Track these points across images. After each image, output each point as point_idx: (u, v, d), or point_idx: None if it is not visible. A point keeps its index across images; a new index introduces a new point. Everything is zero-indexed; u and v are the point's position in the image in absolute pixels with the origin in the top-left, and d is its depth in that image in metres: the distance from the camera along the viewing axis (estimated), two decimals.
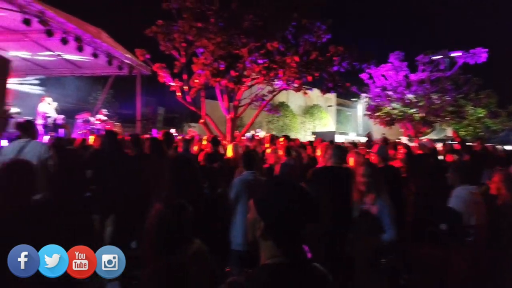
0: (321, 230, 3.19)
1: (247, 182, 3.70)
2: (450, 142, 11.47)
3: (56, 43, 11.40)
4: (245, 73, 10.50)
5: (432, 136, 24.88)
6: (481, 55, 21.16)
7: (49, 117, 12.33)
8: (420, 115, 22.12)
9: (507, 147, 13.97)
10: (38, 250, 1.68)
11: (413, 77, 22.49)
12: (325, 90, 11.08)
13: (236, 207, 3.57)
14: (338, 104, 41.25)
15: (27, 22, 9.36)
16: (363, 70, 14.98)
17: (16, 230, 1.78)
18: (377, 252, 3.08)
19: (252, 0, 9.56)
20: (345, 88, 11.31)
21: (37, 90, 15.78)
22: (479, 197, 3.30)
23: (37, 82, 15.62)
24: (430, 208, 3.25)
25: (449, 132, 24.29)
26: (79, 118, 13.94)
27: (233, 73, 9.82)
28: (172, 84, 10.96)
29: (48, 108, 12.58)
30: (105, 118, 14.36)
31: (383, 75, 22.60)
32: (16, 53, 13.09)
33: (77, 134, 13.13)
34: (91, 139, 8.65)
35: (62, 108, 14.69)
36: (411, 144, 9.44)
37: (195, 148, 6.75)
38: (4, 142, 7.37)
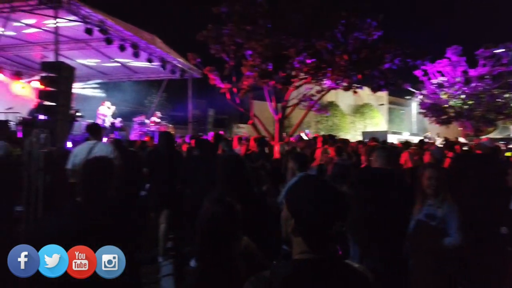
0: (370, 233, 3.12)
1: None
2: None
3: (114, 50, 12.15)
4: (293, 73, 10.48)
5: (495, 135, 23.15)
6: None
7: (107, 119, 13.14)
8: (479, 112, 20.69)
9: None
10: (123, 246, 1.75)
11: (472, 72, 21.08)
12: (376, 88, 10.74)
13: None
14: (390, 103, 39.70)
15: (89, 31, 10.07)
16: (417, 67, 14.32)
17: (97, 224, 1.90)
18: (440, 257, 2.97)
19: (300, 1, 9.53)
20: (398, 85, 10.87)
21: (97, 93, 16.89)
22: None
23: (97, 86, 16.69)
24: (488, 211, 3.06)
25: None
26: (136, 121, 14.72)
27: (281, 74, 9.86)
28: (221, 86, 11.21)
29: (107, 111, 13.42)
30: (158, 120, 15.04)
31: (439, 72, 21.41)
32: (80, 61, 14.10)
33: (134, 135, 13.88)
34: (146, 140, 9.13)
35: (120, 111, 15.62)
36: (470, 144, 8.91)
37: (242, 148, 6.88)
38: (69, 144, 8.00)
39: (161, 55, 13.39)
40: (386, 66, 10.38)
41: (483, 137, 19.52)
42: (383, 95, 35.34)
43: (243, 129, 23.86)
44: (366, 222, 3.13)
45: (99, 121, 12.83)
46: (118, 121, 13.49)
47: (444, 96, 21.44)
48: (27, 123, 8.78)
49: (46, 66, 7.98)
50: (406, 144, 9.56)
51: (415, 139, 17.35)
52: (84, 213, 1.91)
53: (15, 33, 11.39)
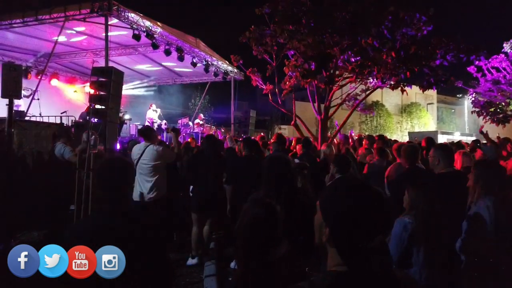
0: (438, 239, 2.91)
1: None
2: None
3: (160, 55, 12.53)
4: (336, 72, 10.22)
5: None
6: None
7: (155, 122, 13.57)
8: None
9: None
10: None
11: None
12: (426, 86, 10.12)
13: None
14: (440, 101, 37.91)
15: (137, 37, 10.44)
16: (472, 63, 13.43)
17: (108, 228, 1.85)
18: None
19: None
20: (450, 83, 10.21)
21: (145, 92, 17.57)
22: None
23: (144, 86, 17.32)
24: None
25: None
26: (180, 123, 15.09)
27: (324, 73, 9.63)
28: (264, 87, 11.18)
29: (153, 114, 13.86)
30: (202, 122, 15.32)
31: (494, 67, 19.98)
32: (129, 66, 14.70)
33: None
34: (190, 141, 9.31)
35: (166, 114, 16.10)
36: None
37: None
38: (117, 146, 8.30)
39: (204, 58, 13.64)
40: (437, 63, 9.80)
41: None
42: (432, 93, 33.81)
43: (284, 130, 23.76)
44: (435, 227, 2.92)
45: (147, 124, 13.29)
46: (164, 123, 13.89)
47: (501, 94, 19.97)
48: (79, 126, 9.23)
49: (96, 71, 8.33)
50: (458, 145, 8.98)
51: (468, 140, 16.31)
52: (104, 216, 1.89)
53: (70, 41, 12.08)
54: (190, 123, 15.16)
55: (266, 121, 26.17)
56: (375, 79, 10.19)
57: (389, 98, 31.31)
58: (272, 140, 7.50)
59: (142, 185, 4.79)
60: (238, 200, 4.41)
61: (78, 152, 4.94)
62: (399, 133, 31.33)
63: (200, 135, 14.07)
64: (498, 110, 20.31)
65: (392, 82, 9.84)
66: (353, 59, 9.75)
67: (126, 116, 13.03)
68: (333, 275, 1.11)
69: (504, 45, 19.73)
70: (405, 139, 25.71)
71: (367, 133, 26.14)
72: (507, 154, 6.92)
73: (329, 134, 11.90)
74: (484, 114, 20.95)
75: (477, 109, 21.45)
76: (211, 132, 14.51)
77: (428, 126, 33.44)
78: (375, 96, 29.24)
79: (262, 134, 10.68)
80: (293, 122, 11.12)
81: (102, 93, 7.85)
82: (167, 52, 11.73)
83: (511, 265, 2.71)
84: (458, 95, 30.94)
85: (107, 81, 7.92)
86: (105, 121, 7.71)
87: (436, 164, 3.62)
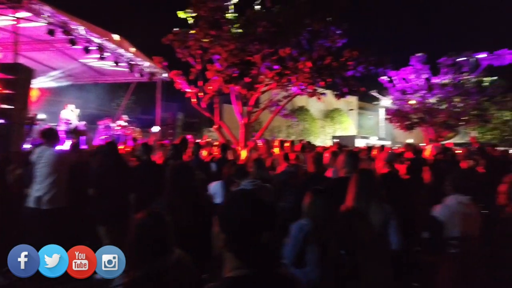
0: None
1: None
2: (470, 147, 11.10)
3: (80, 52, 11.88)
4: (258, 79, 10.60)
5: (456, 140, 24.13)
6: (506, 56, 20.45)
7: (71, 123, 12.79)
8: (440, 118, 21.49)
9: None
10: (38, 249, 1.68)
11: (435, 80, 21.91)
12: (339, 95, 11.05)
13: None
14: (360, 108, 40.71)
15: (51, 32, 9.82)
16: (380, 74, 14.77)
17: None
18: None
19: (266, 8, 9.66)
20: (360, 92, 11.20)
21: (63, 91, 16.42)
22: (471, 208, 3.12)
23: (63, 85, 16.19)
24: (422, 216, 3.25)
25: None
26: (101, 124, 14.38)
27: (246, 79, 9.93)
28: (188, 90, 11.19)
29: (70, 114, 13.06)
30: (125, 123, 14.76)
31: (403, 79, 22.11)
32: (43, 62, 13.69)
33: (98, 140, 13.56)
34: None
35: (87, 114, 15.24)
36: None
37: (204, 153, 6.87)
38: (27, 147, 7.76)
39: (128, 57, 13.21)
40: (350, 73, 10.66)
41: (445, 142, 20.32)
42: (353, 100, 36.18)
43: (214, 133, 23.81)
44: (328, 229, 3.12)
45: (62, 126, 12.48)
46: (81, 125, 13.13)
47: (411, 102, 22.15)
48: None
49: (3, 67, 7.74)
50: (369, 149, 9.76)
51: (383, 144, 17.79)
52: None
53: None
54: (112, 125, 14.54)
55: (194, 124, 25.94)
56: (295, 87, 10.78)
57: (314, 103, 32.79)
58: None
59: (39, 190, 4.44)
60: (141, 209, 4.31)
61: None
62: (323, 137, 33.05)
63: (122, 137, 13.59)
64: (406, 118, 22.44)
65: (309, 90, 10.47)
66: (276, 67, 10.22)
67: (40, 116, 12.14)
68: (228, 281, 1.28)
69: (411, 58, 21.89)
70: (329, 142, 27.20)
71: (293, 137, 27.21)
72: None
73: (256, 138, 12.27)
74: (394, 121, 23.05)
75: (389, 116, 23.53)
76: (134, 135, 14.09)
77: (349, 130, 35.70)
78: (301, 101, 30.54)
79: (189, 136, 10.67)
80: (216, 126, 11.29)
81: (8, 91, 7.32)
82: (86, 50, 11.18)
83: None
84: (374, 103, 33.58)
85: (15, 79, 7.40)
86: (12, 122, 7.20)
87: (340, 167, 3.94)
